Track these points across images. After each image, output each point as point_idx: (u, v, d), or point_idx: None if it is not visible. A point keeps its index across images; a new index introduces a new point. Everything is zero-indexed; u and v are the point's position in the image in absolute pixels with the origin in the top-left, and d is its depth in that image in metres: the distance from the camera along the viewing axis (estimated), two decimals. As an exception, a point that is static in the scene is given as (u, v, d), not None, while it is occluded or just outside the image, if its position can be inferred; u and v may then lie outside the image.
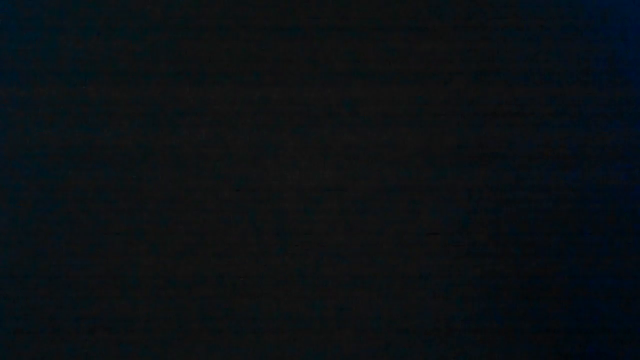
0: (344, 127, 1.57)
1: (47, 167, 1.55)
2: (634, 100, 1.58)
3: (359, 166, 1.56)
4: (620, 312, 1.53)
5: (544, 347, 1.52)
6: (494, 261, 1.54)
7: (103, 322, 1.52)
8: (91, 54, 1.58)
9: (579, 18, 1.60)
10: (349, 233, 1.55)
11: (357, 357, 1.52)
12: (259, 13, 1.60)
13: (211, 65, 1.58)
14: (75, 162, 1.55)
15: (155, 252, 1.53)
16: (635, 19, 1.60)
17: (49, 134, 1.56)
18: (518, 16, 1.60)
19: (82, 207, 1.54)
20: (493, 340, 1.52)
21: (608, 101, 1.58)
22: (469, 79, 1.57)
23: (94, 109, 1.57)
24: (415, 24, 1.60)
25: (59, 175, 1.55)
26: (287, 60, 1.59)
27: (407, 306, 1.53)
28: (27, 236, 1.53)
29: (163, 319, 1.52)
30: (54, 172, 1.55)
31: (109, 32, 1.59)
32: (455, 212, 1.54)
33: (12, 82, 1.58)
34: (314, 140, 1.57)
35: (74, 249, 1.53)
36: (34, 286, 1.52)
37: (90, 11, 1.60)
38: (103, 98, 1.57)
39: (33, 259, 1.53)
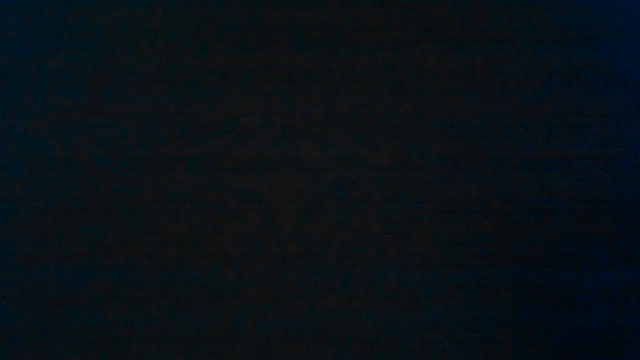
0: (345, 133, 1.57)
1: (49, 173, 1.55)
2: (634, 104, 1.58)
3: (361, 172, 1.56)
4: (620, 316, 1.53)
5: (543, 352, 1.52)
6: (495, 266, 1.54)
7: (104, 328, 1.52)
8: (94, 59, 1.58)
9: (581, 26, 1.61)
10: (349, 239, 1.55)
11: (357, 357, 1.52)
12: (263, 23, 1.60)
13: (216, 73, 1.58)
14: (78, 168, 1.55)
15: (158, 257, 1.53)
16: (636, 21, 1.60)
17: (51, 140, 1.56)
18: (520, 23, 1.60)
19: (85, 212, 1.54)
20: (492, 345, 1.52)
21: (610, 106, 1.58)
22: (471, 85, 1.57)
23: (97, 116, 1.57)
24: (418, 31, 1.59)
25: (61, 181, 1.55)
26: (291, 68, 1.59)
27: (408, 312, 1.53)
28: (28, 241, 1.53)
29: (164, 325, 1.52)
30: (56, 178, 1.55)
31: (111, 41, 1.59)
32: (457, 217, 1.54)
33: (13, 84, 1.58)
34: (314, 148, 1.57)
35: (76, 255, 1.53)
36: (34, 292, 1.52)
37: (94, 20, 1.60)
38: (105, 103, 1.57)
39: (34, 264, 1.53)
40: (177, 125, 1.56)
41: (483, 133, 1.56)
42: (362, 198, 1.55)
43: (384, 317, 1.52)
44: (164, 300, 1.51)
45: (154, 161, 1.55)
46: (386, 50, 1.58)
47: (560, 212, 1.54)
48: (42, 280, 1.52)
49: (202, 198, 1.54)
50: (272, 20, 1.59)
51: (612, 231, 1.53)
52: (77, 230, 1.53)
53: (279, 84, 1.58)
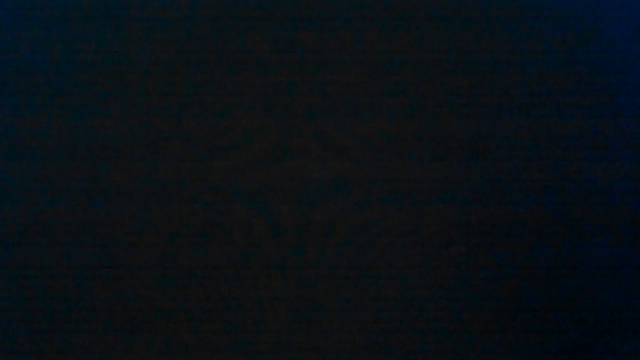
0: (343, 123, 1.58)
1: (49, 163, 1.56)
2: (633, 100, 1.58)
3: (358, 162, 1.56)
4: (619, 307, 1.52)
5: (543, 344, 1.51)
6: (493, 256, 1.53)
7: (104, 315, 1.52)
8: (96, 57, 1.60)
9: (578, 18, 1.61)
10: (348, 229, 1.55)
11: (356, 352, 1.51)
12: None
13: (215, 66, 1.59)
14: (78, 157, 1.56)
15: (157, 245, 1.53)
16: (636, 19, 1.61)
17: (50, 130, 1.57)
18: (515, 14, 1.60)
19: (85, 202, 1.54)
20: (491, 334, 1.51)
21: (607, 100, 1.58)
22: (468, 75, 1.58)
23: (95, 105, 1.58)
24: (412, 20, 1.60)
25: (61, 171, 1.56)
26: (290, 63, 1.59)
27: (406, 300, 1.52)
28: (29, 231, 1.54)
29: (164, 311, 1.52)
30: (57, 169, 1.56)
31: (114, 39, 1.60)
32: (455, 206, 1.54)
33: (13, 80, 1.59)
34: (313, 139, 1.57)
35: (77, 244, 1.53)
36: (35, 281, 1.53)
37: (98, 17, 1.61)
38: (104, 96, 1.58)
39: (35, 253, 1.53)
40: (178, 110, 1.56)
41: (482, 127, 1.56)
42: (361, 196, 1.55)
43: (384, 314, 1.51)
44: (164, 300, 1.51)
45: (155, 159, 1.55)
46: (384, 50, 1.59)
47: (559, 202, 1.54)
48: (43, 275, 1.52)
49: (202, 198, 1.55)
50: (273, 33, 1.60)
51: (611, 219, 1.53)
52: (77, 227, 1.53)
53: (278, 85, 1.59)
